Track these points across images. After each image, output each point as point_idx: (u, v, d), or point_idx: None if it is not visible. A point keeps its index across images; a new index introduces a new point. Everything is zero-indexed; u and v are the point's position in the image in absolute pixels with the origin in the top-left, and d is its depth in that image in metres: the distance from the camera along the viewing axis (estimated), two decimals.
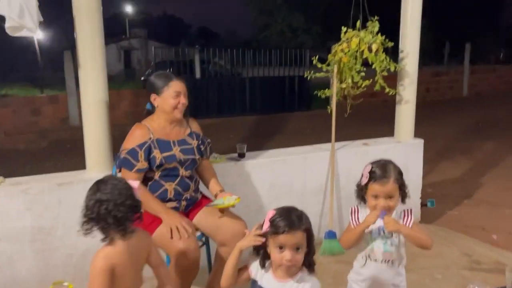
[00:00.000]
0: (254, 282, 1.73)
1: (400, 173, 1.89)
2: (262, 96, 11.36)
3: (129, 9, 34.75)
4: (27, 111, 8.60)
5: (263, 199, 3.13)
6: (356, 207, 2.00)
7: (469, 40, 14.96)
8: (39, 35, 13.05)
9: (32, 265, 2.52)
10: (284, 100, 11.71)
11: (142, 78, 14.35)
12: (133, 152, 2.24)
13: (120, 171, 2.31)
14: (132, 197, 1.66)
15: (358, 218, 1.98)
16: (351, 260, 3.14)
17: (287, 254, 1.58)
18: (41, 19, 2.22)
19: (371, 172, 1.87)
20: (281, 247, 1.59)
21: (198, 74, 10.76)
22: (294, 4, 23.02)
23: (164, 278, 1.84)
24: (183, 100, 2.34)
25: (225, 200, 2.33)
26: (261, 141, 7.04)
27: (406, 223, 1.91)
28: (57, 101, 9.03)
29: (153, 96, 2.38)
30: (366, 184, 1.89)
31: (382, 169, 1.85)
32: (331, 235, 3.23)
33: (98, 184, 1.64)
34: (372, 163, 1.90)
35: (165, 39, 31.12)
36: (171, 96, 2.32)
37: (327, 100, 3.54)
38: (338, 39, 3.31)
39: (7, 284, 2.49)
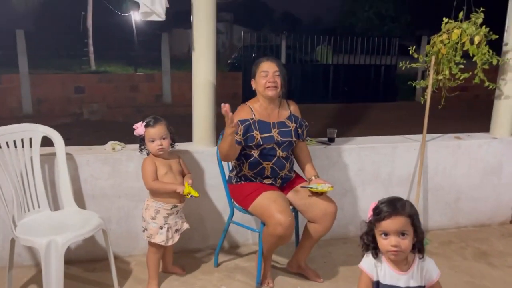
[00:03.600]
0: (377, 283, 1.69)
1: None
2: (346, 84, 11.27)
3: None
4: (126, 87, 9.39)
5: (349, 183, 3.24)
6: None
7: None
8: (137, 17, 13.97)
9: None
10: (368, 90, 11.51)
11: (228, 61, 14.83)
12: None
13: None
14: None
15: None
16: (434, 250, 3.19)
17: (392, 239, 1.58)
18: (168, 5, 2.52)
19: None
20: (386, 234, 1.59)
21: (283, 60, 10.93)
22: None
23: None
24: (271, 78, 2.46)
25: (319, 186, 2.50)
26: (343, 129, 7.06)
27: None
28: (153, 79, 9.73)
29: (252, 81, 2.58)
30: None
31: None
32: None
33: None
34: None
35: (249, 23, 31.58)
36: (261, 76, 2.49)
37: (413, 92, 3.53)
38: (428, 28, 3.28)
39: (123, 234, 2.89)
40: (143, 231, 2.47)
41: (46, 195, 2.58)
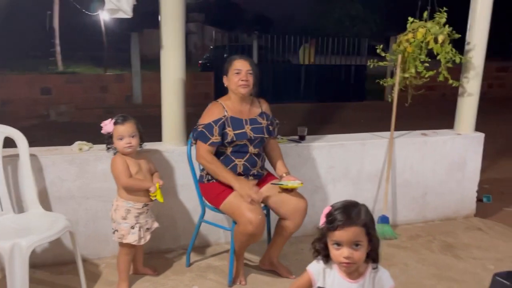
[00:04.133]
0: None
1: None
2: (317, 84, 11.40)
3: None
4: (96, 88, 9.19)
5: (320, 180, 3.28)
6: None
7: None
8: (106, 16, 13.72)
9: None
10: (338, 89, 11.67)
11: (200, 62, 14.75)
12: (209, 127, 2.46)
13: (195, 143, 2.55)
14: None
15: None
16: (402, 244, 3.27)
17: (344, 251, 1.47)
18: (135, 2, 2.48)
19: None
20: (338, 244, 1.48)
21: (255, 60, 10.96)
22: None
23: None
24: (244, 77, 2.48)
25: (289, 182, 2.52)
26: (314, 128, 7.14)
27: None
28: (122, 80, 9.57)
29: (224, 78, 2.58)
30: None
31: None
32: (384, 220, 3.34)
33: None
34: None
35: (221, 23, 31.49)
36: (233, 74, 2.50)
37: (382, 92, 3.61)
38: (396, 29, 3.36)
39: (90, 236, 2.82)
40: (113, 232, 2.43)
41: (9, 198, 2.49)
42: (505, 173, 5.24)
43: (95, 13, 14.42)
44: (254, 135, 2.53)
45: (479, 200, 3.89)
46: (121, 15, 2.45)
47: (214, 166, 2.46)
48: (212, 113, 2.50)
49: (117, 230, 2.40)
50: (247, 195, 2.35)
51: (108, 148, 2.46)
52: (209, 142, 2.45)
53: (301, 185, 2.51)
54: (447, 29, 3.21)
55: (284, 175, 2.62)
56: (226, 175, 2.44)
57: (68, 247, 2.72)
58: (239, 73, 2.49)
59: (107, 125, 2.37)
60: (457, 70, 3.59)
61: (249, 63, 2.53)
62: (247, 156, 2.54)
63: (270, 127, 2.64)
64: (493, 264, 2.94)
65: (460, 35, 3.32)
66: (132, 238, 2.38)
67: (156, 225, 2.54)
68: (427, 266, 2.92)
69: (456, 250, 3.15)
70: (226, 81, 2.58)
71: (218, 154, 2.54)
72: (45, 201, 2.67)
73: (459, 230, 3.51)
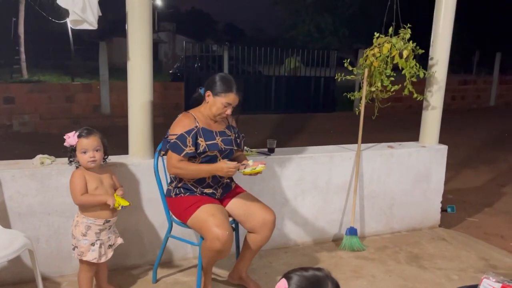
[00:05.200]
0: None
1: None
2: (288, 95, 11.49)
3: (158, 2, 35.20)
4: (62, 97, 8.94)
5: (290, 193, 3.28)
6: None
7: (499, 49, 14.73)
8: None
9: None
10: (308, 100, 11.81)
11: (170, 71, 14.62)
12: (182, 138, 2.41)
13: (164, 154, 2.51)
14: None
15: None
16: (370, 255, 3.30)
17: None
18: (100, 13, 2.43)
19: None
20: None
21: (226, 70, 10.95)
22: (322, 5, 22.99)
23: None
24: (229, 112, 2.50)
25: (252, 168, 2.44)
26: (285, 139, 7.19)
27: None
28: (90, 89, 9.34)
29: (208, 92, 2.50)
30: None
31: None
32: (352, 231, 3.37)
33: None
34: None
35: (192, 33, 31.46)
36: (222, 103, 2.46)
37: (352, 102, 3.68)
38: (364, 42, 3.45)
39: (53, 253, 2.72)
40: (73, 249, 2.34)
41: None
42: (467, 183, 5.41)
43: (62, 21, 14.10)
44: (225, 146, 2.52)
45: (443, 210, 4.00)
46: (86, 26, 2.40)
47: (188, 170, 2.42)
48: (184, 124, 2.46)
49: (76, 247, 2.32)
50: (225, 168, 2.34)
51: (70, 162, 2.38)
52: (183, 153, 2.40)
53: (264, 168, 2.45)
54: (411, 44, 3.30)
55: (249, 163, 2.54)
56: (202, 169, 2.43)
57: (28, 265, 2.60)
58: (228, 108, 2.48)
59: (71, 138, 2.30)
60: (422, 84, 3.70)
61: (238, 100, 2.51)
62: None
63: (237, 139, 2.64)
64: (456, 274, 3.01)
65: (423, 51, 3.43)
66: (91, 256, 2.31)
67: (120, 241, 2.47)
68: (394, 277, 2.96)
69: (422, 261, 3.21)
70: (209, 97, 2.49)
71: None
72: (3, 218, 2.56)
73: (424, 240, 3.59)
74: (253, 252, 2.60)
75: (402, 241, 3.55)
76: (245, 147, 3.14)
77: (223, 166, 2.36)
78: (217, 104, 2.47)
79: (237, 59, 11.15)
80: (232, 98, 2.47)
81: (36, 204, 2.64)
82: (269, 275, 2.92)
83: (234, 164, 2.38)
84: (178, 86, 10.37)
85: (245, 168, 2.46)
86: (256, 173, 2.46)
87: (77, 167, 2.37)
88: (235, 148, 2.60)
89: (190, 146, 2.41)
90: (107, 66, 9.52)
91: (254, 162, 2.48)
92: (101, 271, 2.51)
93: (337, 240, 3.47)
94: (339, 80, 3.61)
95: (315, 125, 9.75)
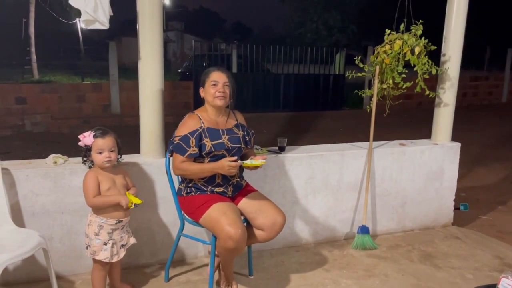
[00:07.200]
0: None
1: None
2: (296, 93, 11.47)
3: (166, 1, 35.28)
4: (72, 97, 9.02)
5: (300, 191, 3.27)
6: None
7: (511, 45, 14.53)
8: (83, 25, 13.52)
9: None
10: (317, 98, 11.77)
11: (179, 71, 14.66)
12: (185, 139, 2.42)
13: (171, 155, 2.51)
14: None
15: None
16: (382, 254, 3.28)
17: None
18: (112, 13, 2.44)
19: None
20: None
21: (235, 69, 10.96)
22: (330, 2, 22.88)
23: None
24: (221, 89, 2.48)
25: (253, 161, 2.44)
26: (294, 137, 7.17)
27: None
28: (100, 89, 9.42)
29: (200, 90, 2.57)
30: None
31: None
32: (364, 230, 3.35)
33: None
34: None
35: (200, 32, 31.47)
36: (210, 85, 2.49)
37: (361, 100, 3.65)
38: (374, 39, 3.40)
39: (66, 252, 2.74)
40: (86, 248, 2.36)
41: None
42: (479, 181, 5.35)
43: (72, 21, 14.20)
44: (232, 144, 2.52)
45: (456, 208, 3.95)
46: (98, 26, 2.41)
47: (191, 171, 2.43)
48: (188, 125, 2.47)
49: (89, 246, 2.34)
50: (226, 165, 2.34)
51: (84, 161, 2.40)
52: (186, 154, 2.41)
53: (264, 163, 2.45)
54: (423, 41, 3.26)
55: (253, 156, 2.56)
56: (204, 168, 2.43)
57: (42, 264, 2.63)
58: (216, 85, 2.48)
59: (86, 138, 2.31)
60: (433, 80, 3.66)
61: (226, 75, 2.52)
62: None
63: (246, 137, 2.63)
64: (471, 273, 2.97)
65: (436, 47, 3.39)
66: (103, 255, 2.32)
67: (132, 241, 2.48)
68: (407, 276, 2.93)
69: (435, 260, 3.17)
70: (202, 92, 2.56)
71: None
72: (17, 217, 2.58)
73: (437, 239, 3.55)
74: (252, 242, 2.59)
75: (414, 240, 3.52)
76: (255, 146, 3.13)
77: (224, 164, 2.36)
78: (208, 90, 2.50)
79: (246, 58, 11.15)
80: (214, 75, 2.50)
81: (50, 203, 2.66)
82: (280, 274, 2.91)
83: (234, 161, 2.36)
84: (187, 85, 10.40)
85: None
86: (256, 167, 2.45)
87: (90, 167, 2.38)
88: (243, 146, 2.59)
89: (193, 147, 2.41)
90: (117, 65, 9.58)
91: (256, 157, 2.49)
92: (114, 270, 2.53)
93: (349, 239, 3.45)
94: (349, 77, 3.59)
95: (324, 123, 9.72)
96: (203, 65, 11.00)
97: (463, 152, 3.81)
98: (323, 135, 8.03)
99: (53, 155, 2.78)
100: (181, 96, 10.04)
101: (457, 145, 3.73)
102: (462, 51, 3.61)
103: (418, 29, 3.29)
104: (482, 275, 2.94)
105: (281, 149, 3.29)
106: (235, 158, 2.41)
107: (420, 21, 3.30)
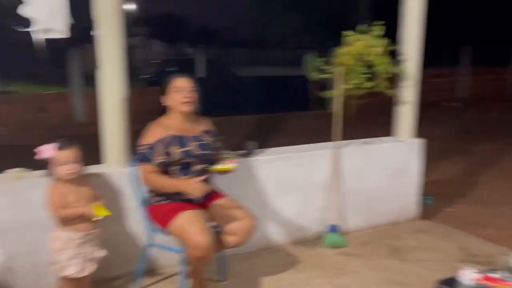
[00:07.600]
0: None
1: None
2: (263, 95, 11.51)
3: (129, 6, 34.70)
4: (33, 107, 8.73)
5: (270, 193, 3.28)
6: None
7: (470, 42, 15.07)
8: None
9: None
10: (284, 100, 11.84)
11: (145, 77, 14.44)
12: (152, 147, 2.39)
13: (139, 165, 2.47)
14: None
15: None
16: (353, 251, 3.33)
17: None
18: (72, 21, 2.37)
19: None
20: None
21: (201, 73, 10.92)
22: (295, 5, 23.13)
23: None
24: (186, 95, 2.47)
25: (223, 165, 2.48)
26: (262, 139, 7.18)
27: None
28: (63, 98, 9.17)
29: (162, 98, 2.54)
30: None
31: None
32: (334, 228, 3.40)
33: None
34: None
35: (165, 37, 31.11)
36: (176, 92, 2.48)
37: (328, 101, 3.69)
38: (339, 40, 3.46)
39: (31, 270, 2.64)
40: (52, 264, 2.28)
41: None
42: (443, 175, 5.52)
43: (30, 30, 13.72)
44: (200, 151, 2.50)
45: (422, 202, 4.06)
46: (56, 35, 2.34)
47: (158, 183, 2.41)
48: (154, 133, 2.44)
49: (56, 262, 2.26)
50: (192, 183, 2.32)
51: (48, 174, 2.32)
52: (154, 163, 2.38)
53: (234, 167, 2.47)
54: (384, 41, 3.34)
55: (223, 161, 2.55)
56: (171, 184, 2.41)
57: (7, 283, 2.52)
58: (182, 91, 2.46)
59: (48, 150, 2.24)
60: (396, 79, 3.75)
61: (190, 81, 2.52)
62: (194, 174, 2.49)
63: (214, 143, 2.62)
64: (437, 265, 3.06)
65: (396, 47, 3.48)
66: (72, 270, 2.25)
67: (101, 253, 2.42)
68: (377, 272, 2.99)
69: (403, 254, 3.26)
70: (165, 100, 2.52)
71: (165, 173, 2.47)
72: None
73: (405, 233, 3.64)
74: (219, 249, 2.55)
75: (383, 235, 3.60)
76: (225, 150, 3.12)
77: (189, 182, 2.33)
78: (174, 96, 2.48)
79: (212, 61, 11.12)
80: (180, 81, 2.49)
81: (11, 219, 2.56)
82: (253, 277, 2.91)
83: (204, 186, 2.34)
84: (153, 91, 10.25)
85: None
86: (226, 171, 2.45)
87: (54, 180, 2.31)
88: (212, 152, 2.58)
89: (159, 156, 2.38)
90: (80, 73, 9.35)
91: (226, 162, 2.48)
92: (84, 285, 2.45)
93: (320, 238, 3.48)
94: (312, 79, 3.62)
95: (292, 124, 9.79)
96: (169, 70, 10.88)
97: (429, 147, 3.91)
98: (291, 136, 8.08)
99: (16, 169, 2.67)
100: (149, 103, 9.86)
101: (421, 141, 3.84)
102: (421, 49, 3.71)
103: (379, 30, 3.36)
104: (447, 266, 3.03)
105: (249, 153, 3.30)
106: (203, 177, 2.38)
107: (381, 22, 3.38)
